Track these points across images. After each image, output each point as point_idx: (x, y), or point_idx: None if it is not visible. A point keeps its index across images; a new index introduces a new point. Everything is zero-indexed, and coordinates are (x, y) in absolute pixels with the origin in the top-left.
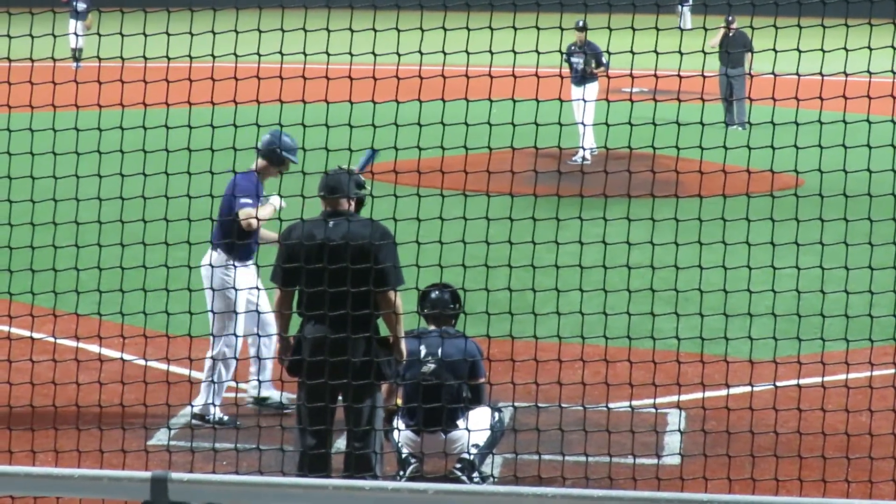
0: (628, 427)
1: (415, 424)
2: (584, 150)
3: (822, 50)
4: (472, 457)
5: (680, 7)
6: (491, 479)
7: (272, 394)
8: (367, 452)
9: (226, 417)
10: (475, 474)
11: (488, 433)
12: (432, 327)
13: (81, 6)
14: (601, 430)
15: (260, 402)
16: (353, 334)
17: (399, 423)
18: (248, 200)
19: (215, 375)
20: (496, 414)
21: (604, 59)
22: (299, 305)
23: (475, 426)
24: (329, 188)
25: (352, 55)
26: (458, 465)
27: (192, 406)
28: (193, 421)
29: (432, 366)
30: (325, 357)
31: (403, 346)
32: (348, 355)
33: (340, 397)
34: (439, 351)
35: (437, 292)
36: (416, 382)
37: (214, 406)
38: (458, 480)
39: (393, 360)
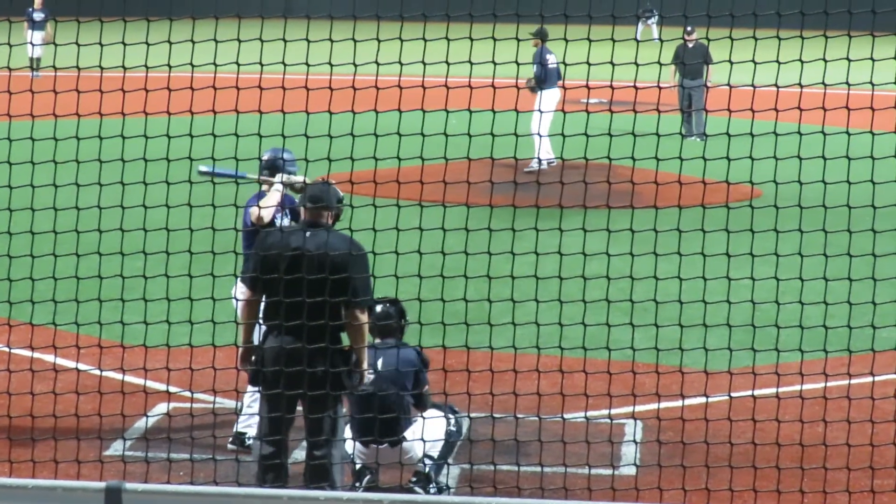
0: (584, 437)
1: (360, 436)
2: (541, 160)
3: (777, 62)
4: (427, 469)
5: (646, 21)
6: (447, 491)
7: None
8: (325, 462)
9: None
10: (431, 486)
11: (442, 443)
12: (378, 340)
13: (39, 16)
14: (557, 441)
15: (241, 441)
16: (319, 345)
17: (348, 432)
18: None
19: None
20: (451, 420)
21: (534, 70)
22: (264, 314)
23: (427, 436)
24: (312, 198)
25: (308, 65)
26: (414, 479)
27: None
28: (230, 445)
29: (371, 376)
30: (283, 367)
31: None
32: (313, 366)
33: (300, 407)
34: (379, 362)
35: (382, 306)
36: (357, 395)
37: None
38: (413, 493)
39: (353, 371)
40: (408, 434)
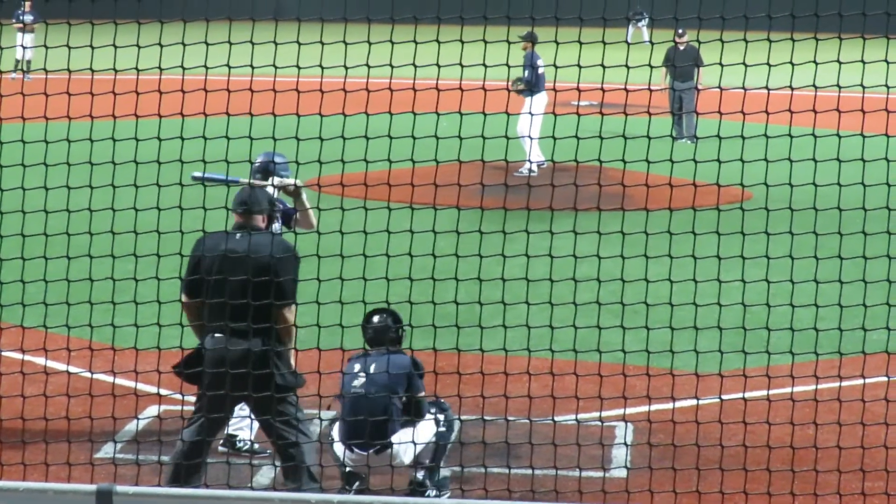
0: (575, 440)
1: (349, 440)
2: (532, 163)
3: (767, 64)
4: (421, 476)
5: (636, 23)
6: (444, 494)
7: (243, 433)
8: (296, 465)
9: (257, 445)
10: (428, 491)
11: (433, 447)
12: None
13: (29, 18)
14: (547, 443)
15: (232, 443)
16: (252, 346)
17: (337, 436)
18: None
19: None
20: (441, 422)
21: (525, 74)
22: (202, 316)
23: (416, 441)
24: (241, 203)
25: (299, 68)
26: (409, 487)
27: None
28: (221, 447)
29: (362, 379)
30: (212, 369)
31: (293, 357)
32: (247, 367)
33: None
34: (371, 367)
35: (378, 317)
36: (349, 398)
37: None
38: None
39: (293, 370)
40: (395, 439)
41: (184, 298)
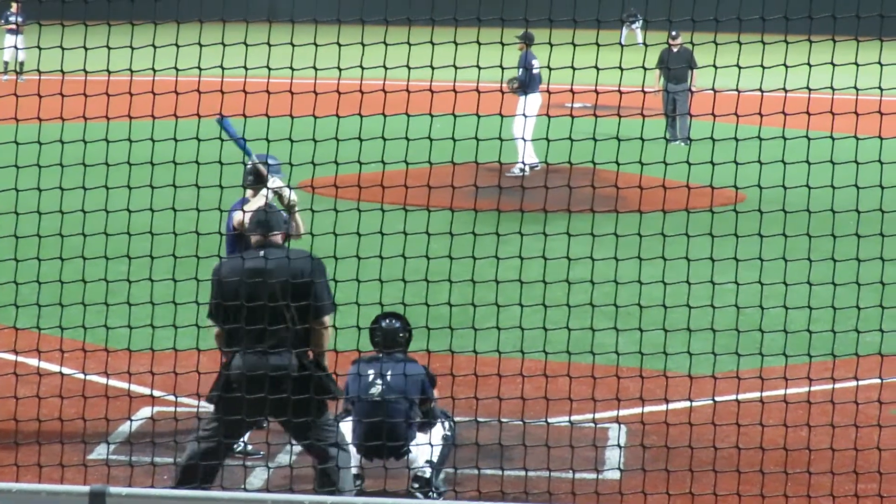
0: (568, 442)
1: (364, 448)
2: (525, 164)
3: (761, 66)
4: (428, 474)
5: (630, 25)
6: (444, 496)
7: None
8: (333, 468)
9: (250, 447)
10: (431, 491)
11: (440, 448)
12: (381, 355)
13: (19, 19)
14: (541, 445)
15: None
16: (293, 360)
17: (346, 438)
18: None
19: None
20: (446, 424)
21: (519, 73)
22: (236, 339)
23: (424, 442)
24: (260, 224)
25: (293, 69)
26: (416, 485)
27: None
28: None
29: (380, 387)
30: (266, 385)
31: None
32: (299, 379)
33: (270, 418)
34: (388, 373)
35: (386, 321)
36: (367, 403)
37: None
38: (412, 497)
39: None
40: (412, 444)
41: (216, 328)
